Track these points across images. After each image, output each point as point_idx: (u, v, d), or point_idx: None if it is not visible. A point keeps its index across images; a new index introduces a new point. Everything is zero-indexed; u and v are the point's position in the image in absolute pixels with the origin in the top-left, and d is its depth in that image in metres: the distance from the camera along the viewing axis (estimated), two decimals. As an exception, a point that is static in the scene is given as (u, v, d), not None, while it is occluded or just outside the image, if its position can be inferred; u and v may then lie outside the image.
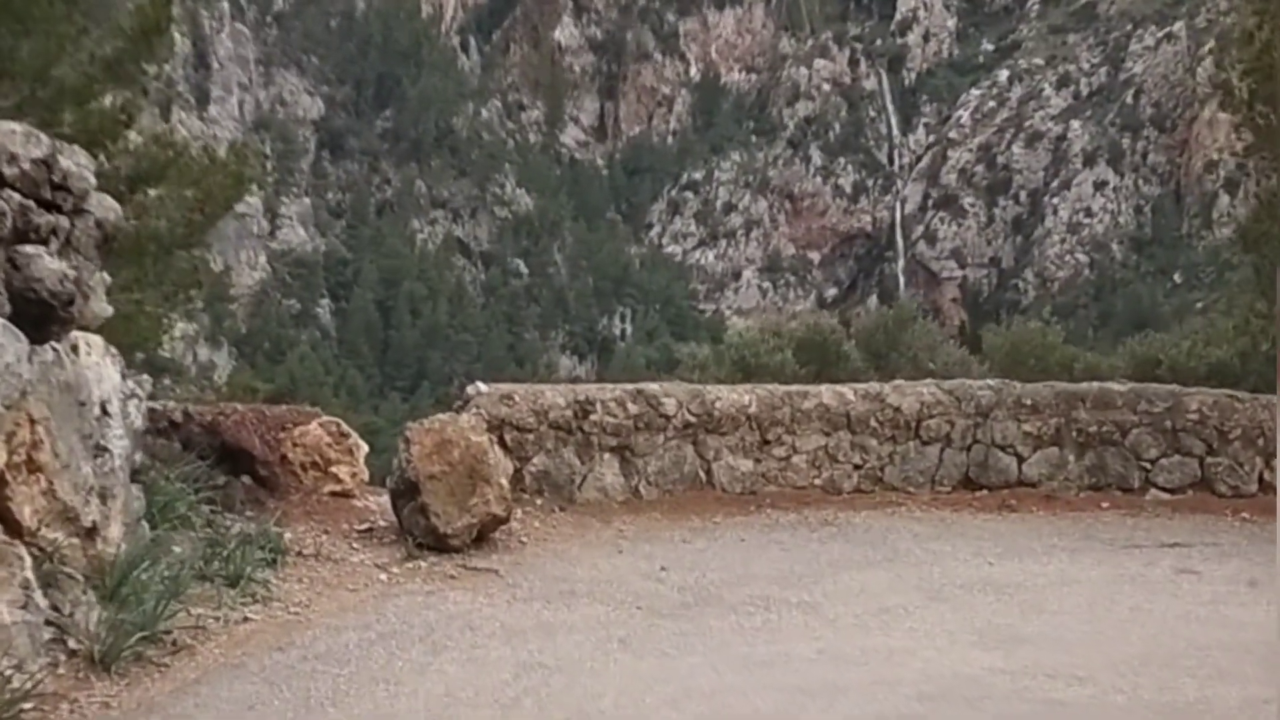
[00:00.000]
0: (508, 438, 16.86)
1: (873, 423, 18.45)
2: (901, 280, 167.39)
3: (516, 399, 17.14)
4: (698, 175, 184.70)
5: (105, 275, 11.11)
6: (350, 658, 10.70)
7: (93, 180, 10.61)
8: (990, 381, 19.56)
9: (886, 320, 35.71)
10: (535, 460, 17.13)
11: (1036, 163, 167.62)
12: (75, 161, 10.39)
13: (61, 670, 9.54)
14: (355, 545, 14.47)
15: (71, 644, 9.76)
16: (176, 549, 12.27)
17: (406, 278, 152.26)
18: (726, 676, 10.35)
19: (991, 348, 33.84)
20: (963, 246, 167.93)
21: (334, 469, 15.97)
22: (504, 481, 14.93)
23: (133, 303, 19.00)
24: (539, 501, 16.90)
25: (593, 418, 17.39)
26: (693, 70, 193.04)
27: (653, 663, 10.79)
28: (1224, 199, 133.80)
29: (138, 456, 12.13)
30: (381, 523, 15.19)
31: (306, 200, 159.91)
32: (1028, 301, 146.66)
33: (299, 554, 13.73)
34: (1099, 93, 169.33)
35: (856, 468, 18.44)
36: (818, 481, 18.27)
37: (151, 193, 19.59)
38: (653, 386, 18.18)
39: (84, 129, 17.97)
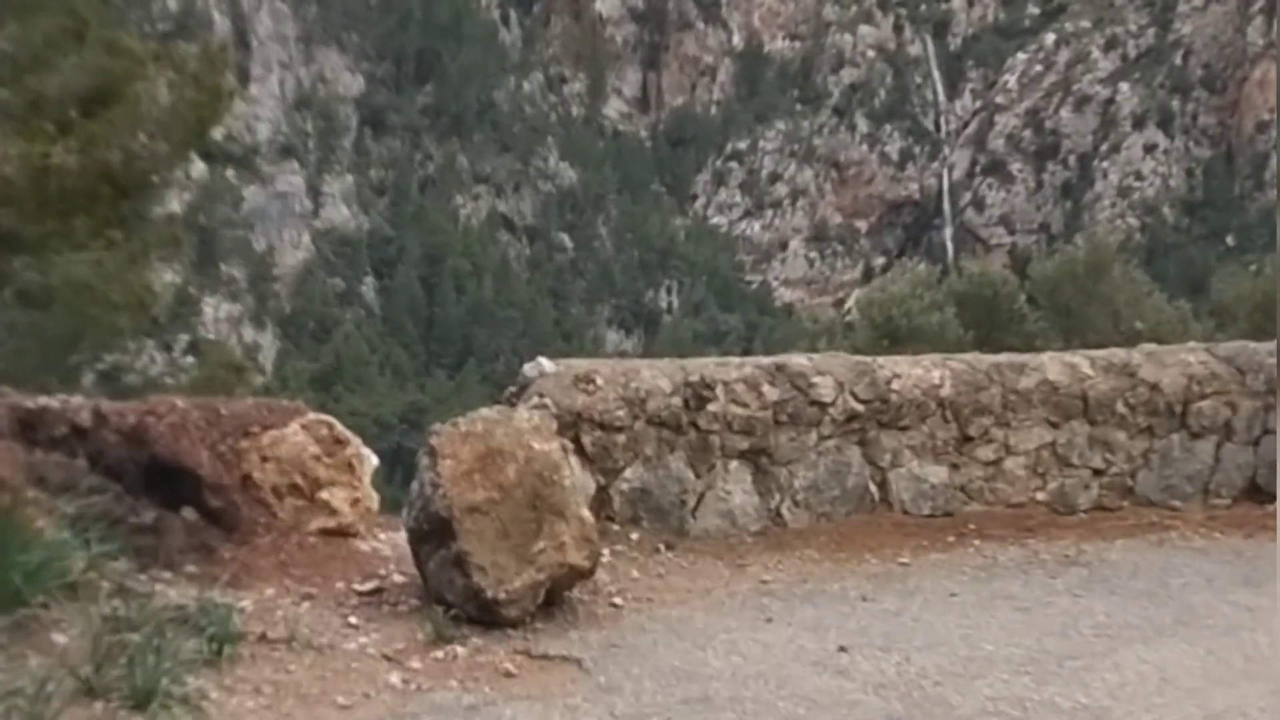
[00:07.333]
0: (586, 440, 11.54)
1: (1120, 407, 13.22)
2: (950, 248, 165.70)
3: (599, 382, 11.67)
4: (742, 145, 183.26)
5: None
6: None
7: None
8: (1287, 344, 13.90)
9: (1075, 265, 28.80)
10: (628, 473, 11.77)
11: (1085, 126, 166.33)
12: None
13: None
14: (354, 620, 9.29)
15: None
16: (57, 640, 7.78)
17: (450, 254, 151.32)
18: None
19: (1227, 300, 27.40)
20: (1011, 213, 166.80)
21: (325, 494, 10.78)
22: (585, 514, 9.83)
23: (90, 265, 15.60)
24: (635, 535, 11.57)
25: (711, 408, 11.98)
26: (735, 39, 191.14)
27: None
28: (1276, 160, 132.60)
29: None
30: (397, 577, 10.06)
31: (349, 178, 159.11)
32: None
33: (261, 639, 8.62)
34: (1147, 54, 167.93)
35: (1097, 474, 13.22)
36: (1041, 495, 13.05)
37: (100, 118, 15.57)
38: (799, 360, 12.68)
39: (26, 44, 15.29)
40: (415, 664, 8.64)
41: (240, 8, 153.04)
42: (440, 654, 8.80)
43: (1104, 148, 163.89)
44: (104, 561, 8.57)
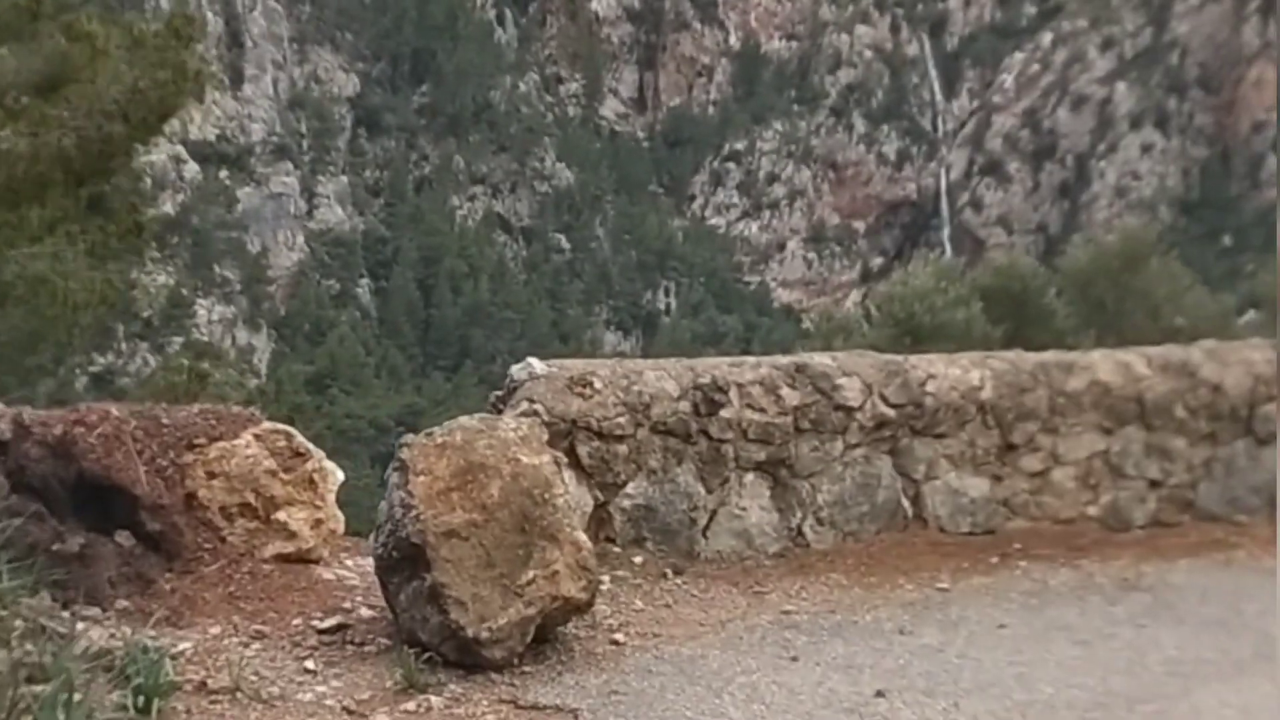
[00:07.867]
0: (583, 451, 10.12)
1: (1179, 411, 12.01)
2: (948, 248, 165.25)
3: (596, 385, 10.19)
4: (740, 146, 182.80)
5: None
6: None
7: None
8: (1356, 338, 12.31)
9: (1108, 258, 26.51)
10: (630, 489, 10.33)
11: (1082, 126, 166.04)
12: None
13: None
14: (311, 664, 7.86)
15: None
16: None
17: (447, 255, 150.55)
18: None
19: (1273, 295, 24.37)
20: (1009, 213, 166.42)
21: (281, 514, 9.39)
22: (581, 537, 8.43)
23: (47, 259, 14.47)
24: (638, 559, 10.14)
25: (724, 414, 10.55)
26: (732, 39, 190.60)
27: None
28: (1272, 160, 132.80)
29: None
30: (364, 611, 8.68)
31: (344, 179, 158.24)
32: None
33: (200, 689, 7.22)
34: (1144, 54, 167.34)
35: (1154, 485, 12.07)
36: (1093, 510, 11.82)
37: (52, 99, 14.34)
38: (821, 360, 11.18)
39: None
40: (382, 718, 7.28)
41: (233, 7, 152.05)
42: (412, 705, 7.43)
43: (1101, 147, 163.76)
44: (19, 596, 7.05)
